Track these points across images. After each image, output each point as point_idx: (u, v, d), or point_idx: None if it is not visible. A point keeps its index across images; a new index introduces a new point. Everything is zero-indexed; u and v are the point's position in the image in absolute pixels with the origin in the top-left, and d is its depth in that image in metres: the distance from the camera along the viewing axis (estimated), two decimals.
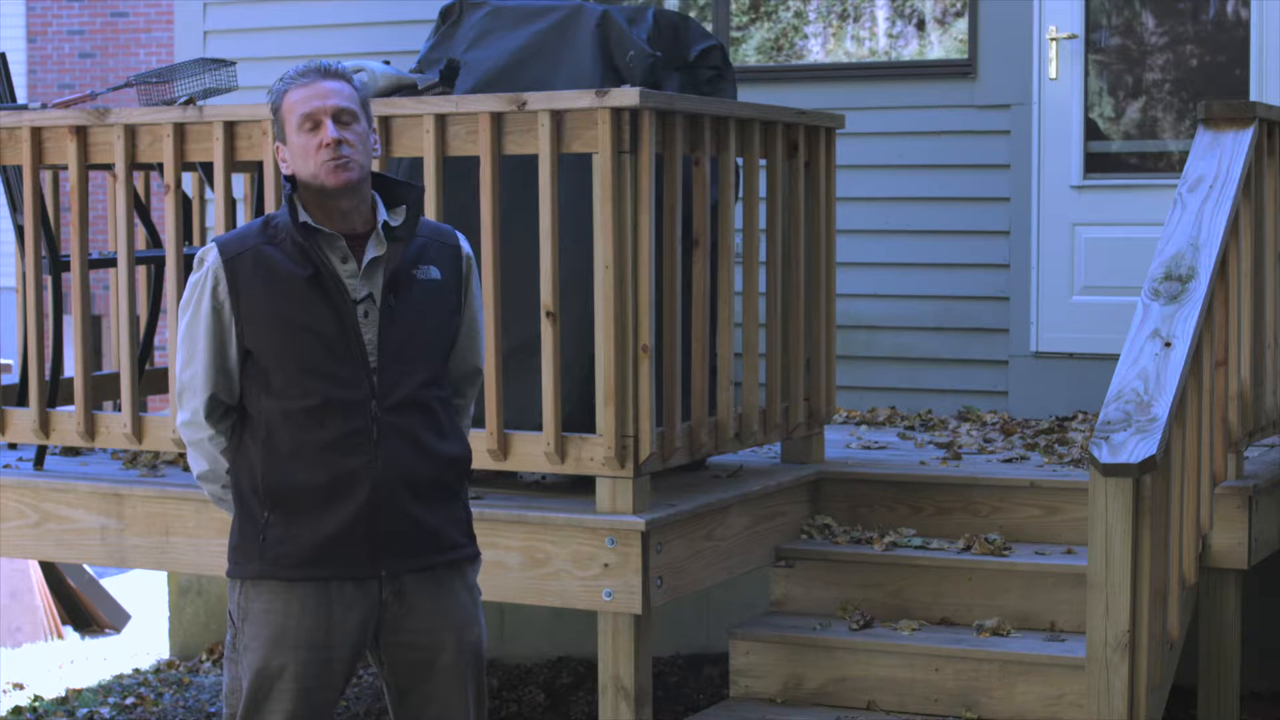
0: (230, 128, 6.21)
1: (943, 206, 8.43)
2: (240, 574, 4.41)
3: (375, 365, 4.33)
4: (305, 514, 4.31)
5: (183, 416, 4.43)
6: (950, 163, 8.41)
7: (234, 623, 4.41)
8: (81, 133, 6.44)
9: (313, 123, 4.30)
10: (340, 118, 4.31)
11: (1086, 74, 8.22)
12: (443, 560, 4.43)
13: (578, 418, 5.89)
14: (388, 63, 6.38)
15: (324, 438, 4.30)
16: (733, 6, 8.87)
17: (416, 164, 6.09)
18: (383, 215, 4.38)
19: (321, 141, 4.28)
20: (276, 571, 4.33)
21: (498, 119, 5.77)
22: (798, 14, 8.83)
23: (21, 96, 17.90)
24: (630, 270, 5.64)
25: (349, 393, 4.31)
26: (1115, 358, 5.48)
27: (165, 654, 9.36)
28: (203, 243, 8.12)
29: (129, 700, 8.58)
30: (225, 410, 4.41)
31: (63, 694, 9.04)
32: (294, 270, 4.30)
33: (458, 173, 6.01)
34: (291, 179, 4.38)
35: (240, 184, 8.52)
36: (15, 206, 6.97)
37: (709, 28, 8.67)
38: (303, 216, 4.31)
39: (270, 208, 6.14)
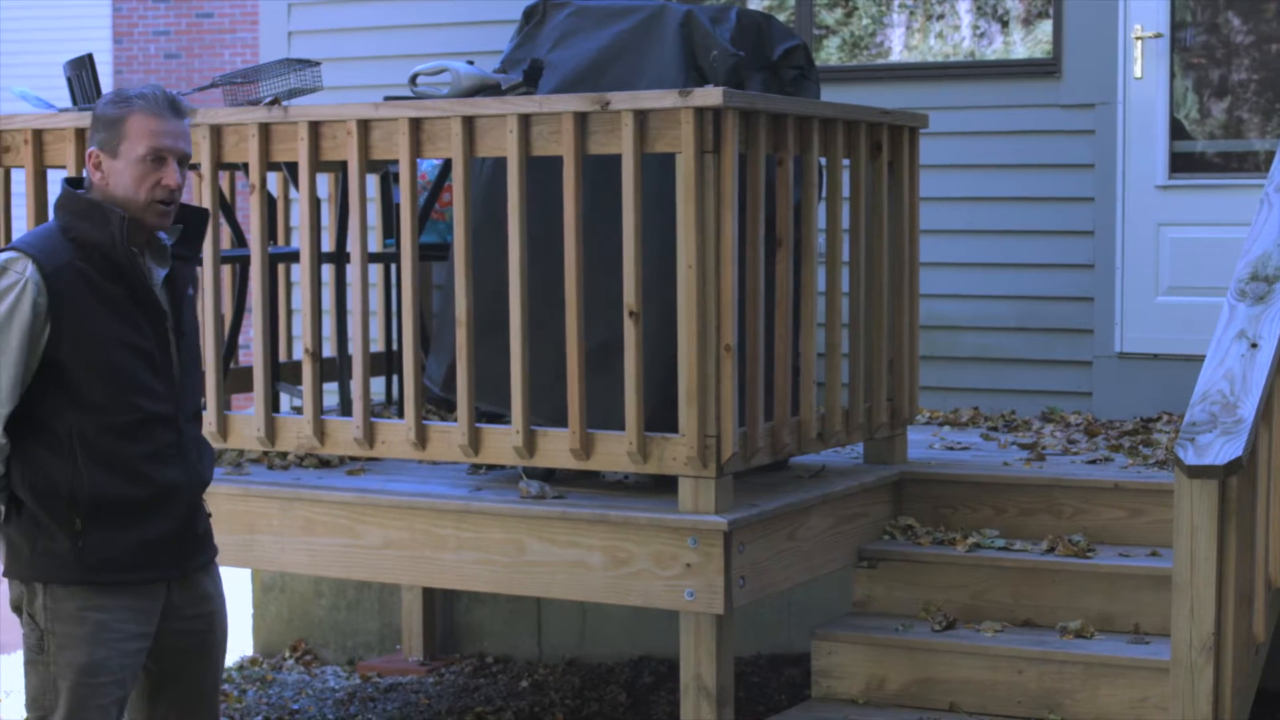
0: (315, 128, 6.25)
1: (1027, 206, 8.40)
2: (48, 579, 4.43)
3: (177, 380, 4.53)
4: (126, 523, 4.45)
5: None
6: (1034, 162, 8.38)
7: (38, 625, 4.44)
8: None
9: (158, 159, 4.40)
10: (183, 163, 4.45)
11: (1172, 73, 8.16)
12: (212, 555, 4.74)
13: (660, 417, 5.90)
14: (471, 63, 6.40)
15: (143, 450, 4.46)
16: (816, 6, 8.86)
17: (500, 163, 6.11)
18: (162, 234, 4.53)
19: (162, 182, 4.40)
20: (97, 577, 4.43)
21: (581, 119, 5.78)
22: (881, 12, 8.81)
23: None
24: (713, 270, 5.64)
25: (162, 407, 4.50)
26: (1201, 359, 5.45)
27: (249, 650, 9.42)
28: (287, 242, 8.18)
29: None
30: (13, 418, 4.42)
31: None
32: (115, 289, 4.41)
33: (540, 176, 6.02)
34: (79, 181, 4.50)
35: (325, 183, 8.57)
36: None
37: (792, 25, 8.66)
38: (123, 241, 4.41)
39: (354, 207, 6.17)
